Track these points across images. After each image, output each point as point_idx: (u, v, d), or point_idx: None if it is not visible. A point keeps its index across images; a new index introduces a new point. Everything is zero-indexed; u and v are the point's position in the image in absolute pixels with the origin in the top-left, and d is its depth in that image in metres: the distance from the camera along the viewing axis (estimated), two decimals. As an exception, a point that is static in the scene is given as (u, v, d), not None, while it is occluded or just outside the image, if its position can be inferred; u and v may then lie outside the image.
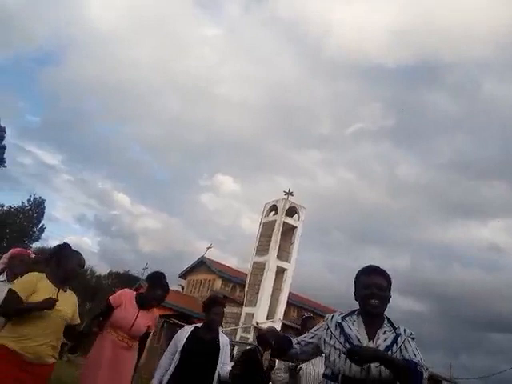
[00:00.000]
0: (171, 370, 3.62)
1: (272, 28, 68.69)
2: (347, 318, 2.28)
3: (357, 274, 2.38)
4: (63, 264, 3.16)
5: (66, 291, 3.07)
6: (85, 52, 66.30)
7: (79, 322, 3.21)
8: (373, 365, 2.06)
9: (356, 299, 2.34)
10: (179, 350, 3.67)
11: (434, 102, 63.89)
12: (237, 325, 20.44)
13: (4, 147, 32.35)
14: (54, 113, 71.53)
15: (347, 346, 2.13)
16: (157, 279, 4.04)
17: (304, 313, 4.58)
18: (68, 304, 3.01)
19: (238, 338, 20.36)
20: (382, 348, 2.12)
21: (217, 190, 73.47)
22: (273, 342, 2.27)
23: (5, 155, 32.40)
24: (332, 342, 2.22)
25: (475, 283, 54.97)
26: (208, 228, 65.14)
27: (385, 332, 2.21)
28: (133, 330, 3.73)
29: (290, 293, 21.73)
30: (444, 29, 57.62)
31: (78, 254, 3.31)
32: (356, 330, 2.21)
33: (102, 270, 37.86)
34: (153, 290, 3.95)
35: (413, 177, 63.69)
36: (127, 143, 76.66)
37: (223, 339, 3.85)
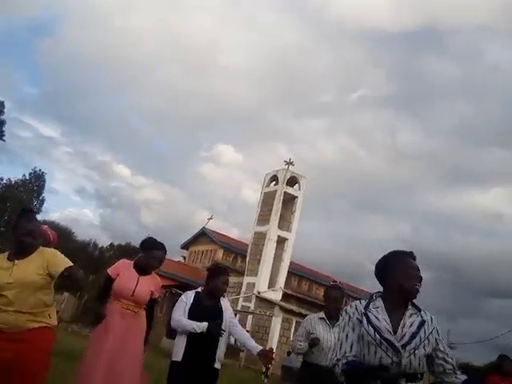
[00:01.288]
0: (185, 341, 3.56)
1: (272, -6, 66.96)
2: (370, 307, 2.18)
3: (395, 255, 2.27)
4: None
5: (26, 257, 2.97)
6: (82, 21, 64.93)
7: (66, 266, 3.06)
8: (404, 356, 2.03)
9: (384, 281, 2.24)
10: (186, 316, 3.63)
11: (436, 68, 63.15)
12: (238, 294, 20.68)
13: (3, 122, 32.02)
14: (51, 84, 70.76)
15: (377, 337, 2.07)
16: (149, 242, 4.01)
17: (332, 281, 4.45)
18: (27, 270, 2.94)
19: (239, 307, 20.64)
20: (407, 336, 2.07)
21: (217, 161, 73.32)
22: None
23: (3, 128, 32.11)
24: (362, 334, 2.13)
25: (475, 250, 55.72)
26: (209, 199, 65.38)
27: (411, 315, 2.15)
28: (135, 296, 3.72)
29: (290, 262, 21.90)
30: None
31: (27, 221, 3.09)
32: (384, 319, 2.12)
33: (104, 241, 38.11)
34: (148, 252, 3.92)
35: (414, 144, 63.60)
36: (127, 114, 76.09)
37: (224, 303, 3.82)
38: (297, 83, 67.30)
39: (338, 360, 2.13)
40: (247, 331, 16.77)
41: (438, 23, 61.54)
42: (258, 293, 20.06)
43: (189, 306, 3.65)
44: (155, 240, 4.05)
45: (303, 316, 15.75)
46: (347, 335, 2.17)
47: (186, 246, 28.30)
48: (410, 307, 2.18)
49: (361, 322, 2.13)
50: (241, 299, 20.68)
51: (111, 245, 37.72)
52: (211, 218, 27.74)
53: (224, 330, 3.55)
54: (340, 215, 64.74)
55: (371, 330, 2.09)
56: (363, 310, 2.16)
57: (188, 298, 3.74)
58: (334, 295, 4.08)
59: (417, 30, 64.16)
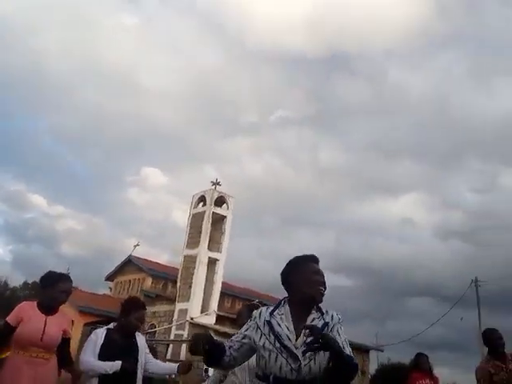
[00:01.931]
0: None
1: (191, 18, 67.81)
2: (275, 313, 2.18)
3: (296, 261, 2.28)
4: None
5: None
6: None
7: None
8: (303, 364, 2.02)
9: (289, 287, 2.26)
10: (95, 356, 3.38)
11: (348, 89, 67.11)
12: (170, 322, 19.67)
13: None
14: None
15: (277, 345, 2.07)
16: (51, 276, 3.62)
17: (252, 302, 4.41)
18: None
19: (172, 336, 19.65)
20: (309, 340, 2.03)
21: (144, 185, 71.37)
22: (205, 350, 2.10)
23: None
24: (262, 343, 2.12)
25: (393, 254, 59.21)
26: (136, 225, 63.12)
27: (313, 319, 2.15)
28: (45, 341, 3.33)
29: (223, 283, 21.35)
30: (355, 21, 60.51)
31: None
32: (285, 326, 2.12)
33: (18, 280, 35.12)
34: (52, 287, 3.53)
35: (334, 160, 67.14)
36: (42, 139, 71.95)
37: (140, 339, 3.66)
38: (220, 105, 68.29)
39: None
40: (181, 361, 15.99)
41: (348, 48, 65.90)
42: (191, 319, 19.23)
43: (99, 345, 3.41)
44: (57, 272, 3.69)
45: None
46: (240, 331, 2.26)
47: (111, 277, 26.71)
48: (313, 311, 2.18)
49: (259, 328, 2.15)
50: (173, 328, 19.70)
51: (25, 283, 34.78)
52: (138, 245, 26.56)
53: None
54: (269, 232, 65.89)
55: (272, 338, 2.09)
56: (267, 318, 2.16)
57: (98, 336, 3.50)
58: (242, 316, 3.93)
59: (330, 54, 68.19)
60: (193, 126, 69.86)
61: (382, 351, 26.01)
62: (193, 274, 20.21)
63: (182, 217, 56.61)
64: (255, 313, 2.23)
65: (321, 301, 2.19)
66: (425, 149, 66.01)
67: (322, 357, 2.05)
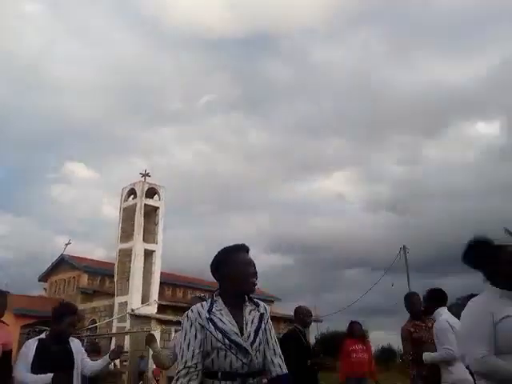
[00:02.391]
0: None
1: (102, 3, 64.61)
2: (213, 310, 2.09)
3: (225, 253, 2.21)
4: None
5: None
6: None
7: None
8: (253, 356, 2.03)
9: (221, 279, 2.19)
10: (28, 368, 3.31)
11: (274, 70, 67.79)
12: (111, 316, 19.84)
13: None
14: None
15: (226, 342, 2.00)
16: None
17: (196, 294, 4.55)
18: None
19: (114, 330, 19.84)
20: (252, 334, 2.07)
21: (69, 181, 68.31)
22: None
23: None
24: (209, 341, 2.02)
25: (328, 230, 61.67)
26: (66, 222, 60.62)
27: (250, 312, 2.14)
28: None
29: (162, 273, 21.67)
30: (273, 0, 60.89)
31: None
32: (229, 321, 2.06)
33: None
34: None
35: (263, 142, 67.72)
36: None
37: (74, 344, 3.61)
38: (143, 93, 66.24)
39: (178, 372, 2.01)
40: (126, 352, 16.24)
41: (270, 29, 66.16)
42: (132, 310, 19.49)
43: (31, 357, 3.33)
44: None
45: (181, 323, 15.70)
46: (189, 343, 2.02)
47: (44, 278, 26.11)
48: (247, 303, 2.15)
49: (205, 327, 2.03)
50: (115, 321, 19.88)
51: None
52: (69, 243, 26.02)
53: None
54: (205, 219, 65.79)
55: (219, 335, 2.01)
56: (207, 315, 2.06)
57: (29, 348, 3.40)
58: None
59: (252, 35, 68.12)
60: (116, 116, 67.36)
61: (321, 322, 27.14)
62: (129, 267, 20.35)
63: (112, 211, 55.36)
64: (191, 314, 2.08)
65: (253, 291, 2.16)
66: (351, 125, 68.26)
67: (266, 346, 2.11)
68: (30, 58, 58.60)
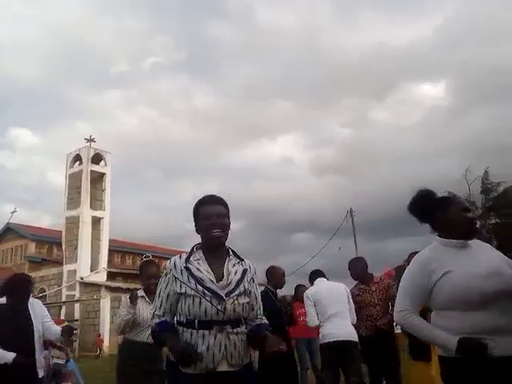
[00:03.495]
0: None
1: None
2: (191, 259, 2.13)
3: (195, 207, 2.23)
4: None
5: None
6: None
7: None
8: (228, 304, 2.03)
9: (197, 233, 2.20)
10: None
11: (218, 33, 65.83)
12: (60, 285, 19.68)
13: None
14: None
15: (200, 289, 2.03)
16: None
17: (143, 257, 4.37)
18: None
19: (64, 298, 19.73)
20: (233, 284, 2.09)
21: (13, 147, 65.46)
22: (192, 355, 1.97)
23: None
24: (183, 290, 2.05)
25: (276, 194, 61.83)
26: (11, 190, 58.36)
27: (234, 265, 2.16)
28: None
29: (111, 240, 21.50)
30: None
31: None
32: (205, 269, 2.09)
33: None
34: None
35: (210, 107, 66.44)
36: None
37: (34, 305, 3.55)
38: (85, 56, 63.22)
39: (153, 315, 2.15)
40: (76, 320, 16.24)
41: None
42: (81, 278, 19.39)
43: None
44: None
45: (131, 291, 15.70)
46: (160, 293, 2.14)
47: (-10, 247, 25.41)
48: (231, 257, 2.19)
49: (177, 278, 2.07)
50: (64, 289, 19.75)
51: None
52: (15, 211, 25.35)
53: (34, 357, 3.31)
54: (152, 185, 64.90)
55: (192, 284, 2.04)
56: (184, 264, 2.10)
57: None
58: (149, 271, 3.93)
59: (195, -3, 65.24)
60: (60, 80, 64.39)
61: None
62: (77, 235, 20.09)
63: (58, 178, 53.79)
64: (169, 265, 2.13)
65: (219, 243, 2.16)
66: (296, 89, 67.72)
67: (244, 298, 2.11)
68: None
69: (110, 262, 21.53)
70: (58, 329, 3.64)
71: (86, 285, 19.30)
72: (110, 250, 21.34)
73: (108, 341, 17.50)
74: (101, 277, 19.66)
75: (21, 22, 59.24)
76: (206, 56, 69.39)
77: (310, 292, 4.77)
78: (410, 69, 63.27)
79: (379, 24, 66.62)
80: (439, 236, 2.23)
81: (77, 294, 19.30)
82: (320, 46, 61.91)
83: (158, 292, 2.16)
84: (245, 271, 2.17)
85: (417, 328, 2.11)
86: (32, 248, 23.01)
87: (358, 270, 4.90)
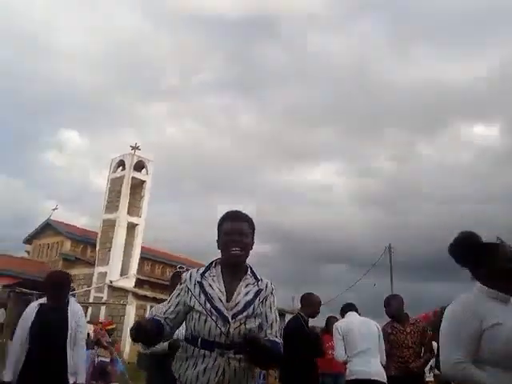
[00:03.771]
0: (21, 359, 3.36)
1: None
2: (206, 274, 2.08)
3: (219, 221, 2.18)
4: None
5: None
6: None
7: None
8: (232, 327, 1.95)
9: (218, 248, 2.15)
10: (27, 334, 3.40)
11: (269, 54, 66.57)
12: (89, 285, 19.99)
13: None
14: None
15: (208, 306, 1.98)
16: None
17: (177, 267, 4.39)
18: None
19: (91, 299, 20.01)
20: (241, 305, 2.00)
21: (62, 147, 67.89)
22: (143, 335, 1.97)
23: None
24: (192, 304, 2.02)
25: (312, 221, 60.73)
26: (55, 188, 60.55)
27: (247, 285, 2.08)
28: None
29: (142, 247, 21.76)
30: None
31: None
32: (217, 287, 2.03)
33: None
34: None
35: (253, 126, 67.02)
36: None
37: (72, 308, 3.60)
38: (139, 67, 65.27)
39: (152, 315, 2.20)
40: (100, 323, 16.24)
41: (271, 11, 64.77)
42: (110, 282, 19.65)
43: (30, 322, 3.44)
44: None
45: (157, 300, 15.92)
46: (170, 299, 2.13)
47: (29, 240, 26.19)
48: (248, 276, 2.11)
49: (190, 290, 2.04)
50: (92, 290, 20.04)
51: None
52: (56, 208, 26.06)
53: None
54: (189, 196, 65.66)
55: (202, 299, 2.00)
56: (198, 279, 2.06)
57: (29, 313, 3.52)
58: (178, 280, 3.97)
59: (250, 17, 66.71)
60: (111, 88, 66.47)
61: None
62: (112, 238, 20.41)
63: (100, 181, 55.33)
64: (185, 275, 2.12)
65: (237, 262, 2.09)
66: (344, 116, 66.97)
67: (253, 322, 2.01)
68: (32, 25, 57.53)
69: (139, 269, 21.74)
70: (81, 357, 3.59)
71: (114, 289, 19.53)
72: (141, 257, 21.58)
73: (129, 348, 17.58)
74: (129, 282, 19.87)
75: (80, 30, 62.04)
76: (255, 76, 70.39)
77: (339, 324, 4.65)
78: (462, 108, 61.69)
79: (433, 60, 65.58)
80: (482, 284, 2.04)
81: (104, 296, 19.54)
82: (370, 77, 61.41)
83: (169, 298, 2.16)
84: (258, 292, 2.07)
85: (476, 379, 1.86)
86: (67, 246, 23.57)
87: (395, 307, 4.74)
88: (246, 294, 2.05)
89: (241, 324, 1.97)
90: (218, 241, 2.17)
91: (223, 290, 2.03)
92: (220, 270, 2.11)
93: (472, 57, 64.03)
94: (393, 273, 26.30)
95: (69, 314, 3.53)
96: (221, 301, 2.00)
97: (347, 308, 4.91)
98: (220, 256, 2.16)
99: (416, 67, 62.90)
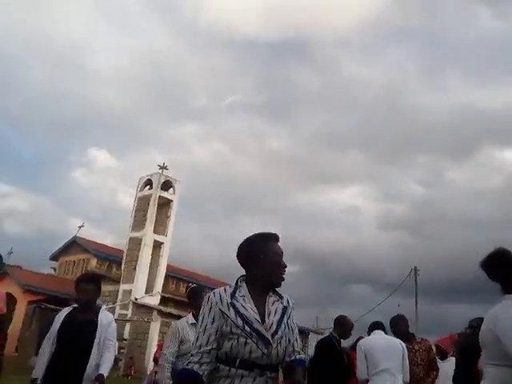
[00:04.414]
0: (48, 357, 3.36)
1: (142, -3, 65.50)
2: (236, 295, 2.03)
3: (259, 239, 2.13)
4: None
5: None
6: None
7: None
8: (274, 348, 1.96)
9: (251, 267, 2.11)
10: (55, 335, 3.42)
11: (299, 78, 67.71)
12: (114, 302, 20.14)
13: None
14: None
15: (247, 329, 1.94)
16: None
17: (189, 284, 4.49)
18: None
19: (116, 316, 20.09)
20: (275, 325, 2.00)
21: (90, 166, 69.48)
22: None
23: None
24: (228, 328, 1.95)
25: (338, 243, 61.00)
26: (82, 206, 61.79)
27: (273, 303, 2.07)
28: None
29: (167, 265, 21.92)
30: (310, 7, 60.76)
31: None
32: (251, 308, 1.99)
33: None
34: None
35: (281, 149, 67.76)
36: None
37: (104, 316, 3.59)
38: (169, 88, 67.14)
39: (191, 355, 1.97)
40: (125, 340, 16.34)
41: (302, 34, 66.21)
42: (135, 299, 19.78)
43: (59, 324, 3.46)
44: None
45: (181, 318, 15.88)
46: (206, 327, 1.98)
47: (55, 257, 26.62)
48: (271, 293, 2.10)
49: (225, 313, 1.97)
50: (118, 307, 20.17)
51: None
52: (82, 226, 26.54)
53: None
54: (215, 217, 66.06)
55: (240, 322, 1.94)
56: (230, 300, 2.00)
57: (60, 316, 3.54)
58: (198, 296, 3.84)
59: (283, 41, 68.25)
60: (141, 108, 68.28)
61: (322, 334, 27.05)
62: (137, 256, 20.65)
63: (127, 200, 56.17)
64: (213, 298, 2.02)
65: (280, 285, 2.10)
66: (372, 140, 67.54)
67: (287, 341, 2.03)
68: (69, 45, 59.82)
69: (164, 286, 21.85)
70: (110, 358, 3.53)
71: (138, 306, 19.64)
72: (166, 275, 21.74)
73: (153, 365, 17.55)
74: (154, 300, 19.97)
75: (114, 51, 64.23)
76: (285, 99, 71.45)
77: (362, 343, 4.66)
78: (492, 133, 61.76)
79: (465, 85, 66.01)
80: None
81: (129, 313, 19.65)
82: (402, 103, 61.94)
83: (203, 325, 2.00)
84: (285, 309, 2.08)
85: None
86: (93, 263, 23.89)
87: (402, 328, 4.85)
88: (275, 312, 2.05)
89: (278, 344, 1.98)
90: (253, 259, 2.10)
91: (256, 310, 2.00)
92: (246, 288, 2.08)
93: (504, 83, 64.02)
94: (417, 294, 26.23)
95: (99, 320, 3.54)
96: (258, 322, 1.97)
97: (373, 327, 4.89)
98: (245, 273, 2.14)
99: (447, 93, 63.29)
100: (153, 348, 17.91)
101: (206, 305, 2.03)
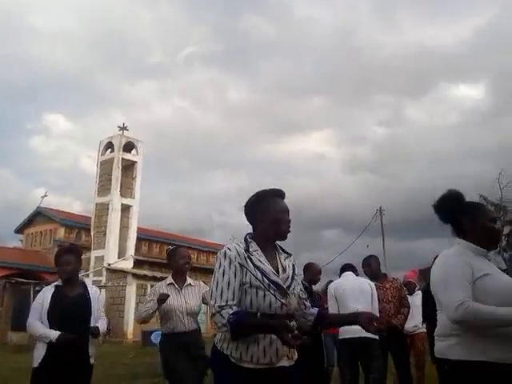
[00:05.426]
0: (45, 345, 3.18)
1: None
2: (250, 250, 2.05)
3: (263, 195, 2.16)
4: None
5: None
6: None
7: None
8: (292, 297, 2.03)
9: (256, 223, 2.15)
10: (45, 317, 3.22)
11: (256, 26, 65.83)
12: (87, 270, 19.80)
13: None
14: None
15: (266, 281, 1.97)
16: None
17: (169, 246, 4.35)
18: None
19: (90, 283, 19.86)
20: (290, 277, 2.08)
21: (47, 132, 66.89)
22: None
23: None
24: (248, 280, 1.97)
25: (306, 190, 61.75)
26: (43, 174, 59.81)
27: (285, 259, 2.15)
28: None
29: (138, 228, 21.61)
30: None
31: None
32: (266, 261, 2.04)
33: None
34: None
35: (242, 100, 66.52)
36: None
37: (93, 291, 3.47)
38: (122, 45, 64.15)
39: (220, 308, 1.91)
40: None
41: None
42: (108, 265, 19.51)
43: (47, 303, 3.24)
44: None
45: (157, 279, 15.83)
46: (229, 282, 1.96)
47: (20, 230, 25.83)
48: (280, 251, 2.17)
49: (244, 266, 1.98)
50: (91, 275, 19.87)
51: None
52: (46, 195, 25.78)
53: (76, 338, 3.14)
54: (182, 175, 65.42)
55: (259, 274, 1.97)
56: (246, 254, 2.02)
57: (45, 294, 3.32)
58: (182, 253, 3.99)
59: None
60: (94, 67, 65.41)
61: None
62: (106, 221, 20.24)
63: (90, 164, 54.71)
64: (230, 252, 2.01)
65: (286, 237, 2.15)
66: (332, 85, 67.36)
67: (302, 293, 2.16)
68: (12, 7, 55.79)
69: (137, 249, 21.64)
70: (104, 324, 3.47)
71: (112, 271, 19.41)
72: (137, 238, 21.44)
73: (132, 328, 17.54)
74: (128, 264, 19.76)
75: (59, 11, 60.42)
76: (242, 49, 69.78)
77: (332, 285, 4.81)
78: (448, 69, 62.23)
79: (418, 24, 65.79)
80: (466, 240, 2.14)
81: (103, 280, 19.41)
82: (357, 44, 61.42)
83: (225, 280, 1.97)
84: (294, 266, 2.17)
85: (486, 312, 1.87)
86: (61, 232, 23.29)
87: (373, 267, 4.97)
88: (289, 266, 2.13)
89: (294, 294, 2.06)
90: (257, 215, 2.14)
91: (269, 264, 2.06)
92: (255, 244, 2.11)
93: (458, 19, 64.24)
94: (385, 234, 27.01)
95: (91, 298, 3.38)
96: (275, 274, 2.03)
97: (343, 269, 4.99)
98: (252, 230, 2.17)
99: (401, 31, 63.51)
100: (131, 311, 17.89)
101: (224, 260, 2.01)
